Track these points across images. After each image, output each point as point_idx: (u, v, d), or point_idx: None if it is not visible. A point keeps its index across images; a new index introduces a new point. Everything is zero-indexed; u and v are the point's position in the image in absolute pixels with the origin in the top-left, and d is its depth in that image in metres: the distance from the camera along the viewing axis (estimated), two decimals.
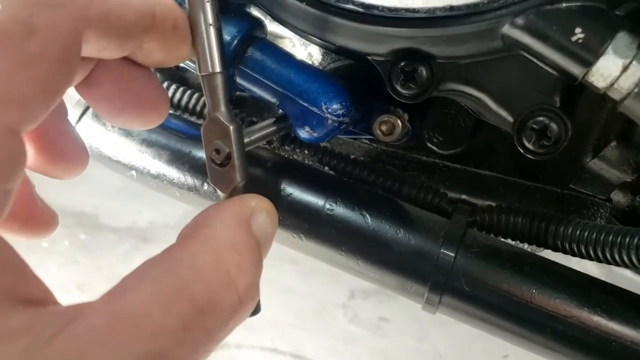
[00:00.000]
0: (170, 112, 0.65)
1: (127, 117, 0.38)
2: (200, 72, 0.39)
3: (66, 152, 0.38)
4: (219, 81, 0.39)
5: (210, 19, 0.38)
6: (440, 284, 0.53)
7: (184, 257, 0.28)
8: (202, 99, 0.64)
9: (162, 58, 0.36)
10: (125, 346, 0.24)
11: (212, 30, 0.38)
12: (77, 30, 0.29)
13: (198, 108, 0.64)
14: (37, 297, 0.25)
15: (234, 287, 0.28)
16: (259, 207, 0.34)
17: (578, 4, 0.41)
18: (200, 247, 0.28)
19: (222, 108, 0.39)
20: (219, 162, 0.40)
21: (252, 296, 0.29)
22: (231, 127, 0.39)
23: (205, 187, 0.58)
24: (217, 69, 0.39)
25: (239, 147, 0.40)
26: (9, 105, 0.26)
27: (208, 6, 0.38)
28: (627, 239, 0.47)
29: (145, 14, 0.33)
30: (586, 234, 0.50)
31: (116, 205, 1.91)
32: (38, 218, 0.36)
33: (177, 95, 0.65)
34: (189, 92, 0.64)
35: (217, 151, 0.40)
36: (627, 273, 1.04)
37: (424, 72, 0.47)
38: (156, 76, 0.40)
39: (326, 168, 0.61)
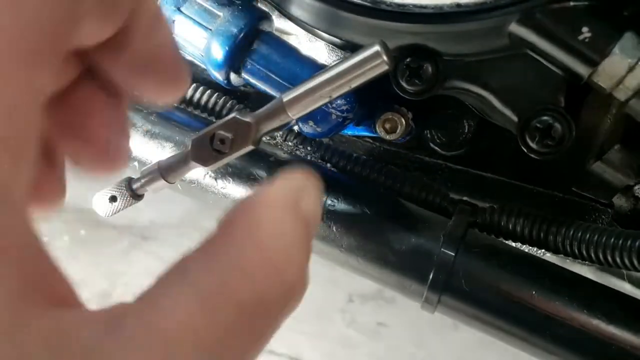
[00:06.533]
0: (174, 105, 0.65)
1: (150, 84, 0.32)
2: (283, 98, 0.42)
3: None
4: (284, 120, 0.42)
5: (333, 95, 0.42)
6: (440, 283, 0.52)
7: (227, 252, 0.24)
8: (206, 92, 0.64)
9: None
10: None
11: (324, 100, 0.42)
12: None
13: (202, 102, 0.64)
14: (64, 296, 0.22)
15: (283, 283, 0.24)
16: (309, 186, 0.28)
17: (585, 3, 0.41)
18: (244, 241, 0.25)
19: (263, 131, 0.43)
20: (213, 147, 0.42)
21: (301, 288, 0.26)
22: (250, 147, 0.42)
23: (206, 179, 0.58)
24: (294, 116, 0.42)
25: (236, 158, 0.43)
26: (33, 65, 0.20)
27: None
28: (629, 242, 0.47)
29: None
30: (587, 236, 0.50)
31: None
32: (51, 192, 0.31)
33: None
34: (193, 85, 0.64)
35: (222, 141, 0.41)
36: (627, 286, 1.03)
37: (430, 69, 0.47)
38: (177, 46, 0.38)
39: (328, 165, 0.61)
